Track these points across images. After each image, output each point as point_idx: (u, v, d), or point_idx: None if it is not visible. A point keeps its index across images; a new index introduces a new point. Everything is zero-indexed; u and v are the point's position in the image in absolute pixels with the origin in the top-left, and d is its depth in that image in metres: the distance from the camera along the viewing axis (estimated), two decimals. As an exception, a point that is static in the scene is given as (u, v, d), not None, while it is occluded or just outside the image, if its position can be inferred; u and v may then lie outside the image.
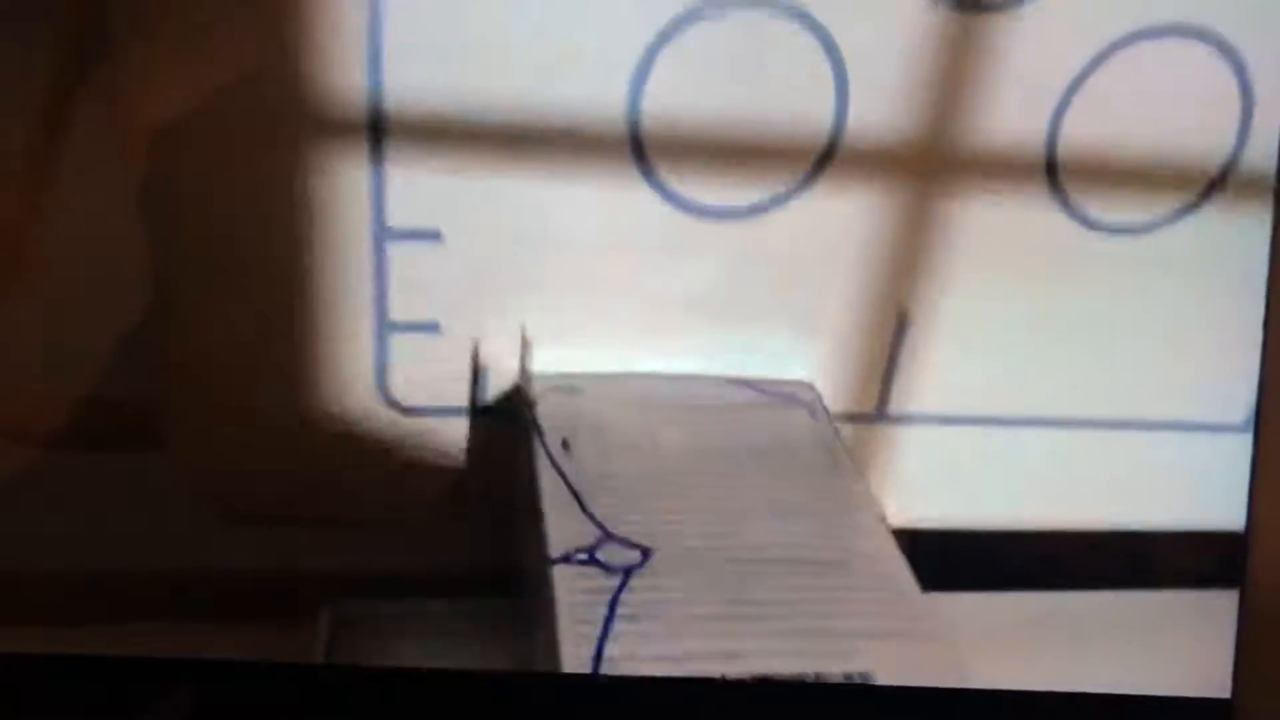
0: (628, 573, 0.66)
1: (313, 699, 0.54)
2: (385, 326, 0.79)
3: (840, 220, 0.78)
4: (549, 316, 0.80)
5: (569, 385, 0.81)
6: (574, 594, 0.63)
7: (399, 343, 0.79)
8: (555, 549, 0.66)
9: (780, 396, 0.82)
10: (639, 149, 0.75)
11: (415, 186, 0.76)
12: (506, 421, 0.83)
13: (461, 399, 0.83)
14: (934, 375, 0.83)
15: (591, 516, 0.70)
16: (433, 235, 0.77)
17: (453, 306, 0.79)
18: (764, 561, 0.68)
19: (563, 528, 0.67)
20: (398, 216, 0.77)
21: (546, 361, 0.81)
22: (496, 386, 0.83)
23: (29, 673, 0.47)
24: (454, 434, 0.84)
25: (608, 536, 0.68)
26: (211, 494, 0.79)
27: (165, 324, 0.69)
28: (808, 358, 0.82)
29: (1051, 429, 0.83)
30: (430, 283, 0.79)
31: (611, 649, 0.60)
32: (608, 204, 0.78)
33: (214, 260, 0.78)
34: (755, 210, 0.78)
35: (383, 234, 0.77)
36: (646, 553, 0.67)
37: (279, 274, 0.77)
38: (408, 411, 0.82)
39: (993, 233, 0.79)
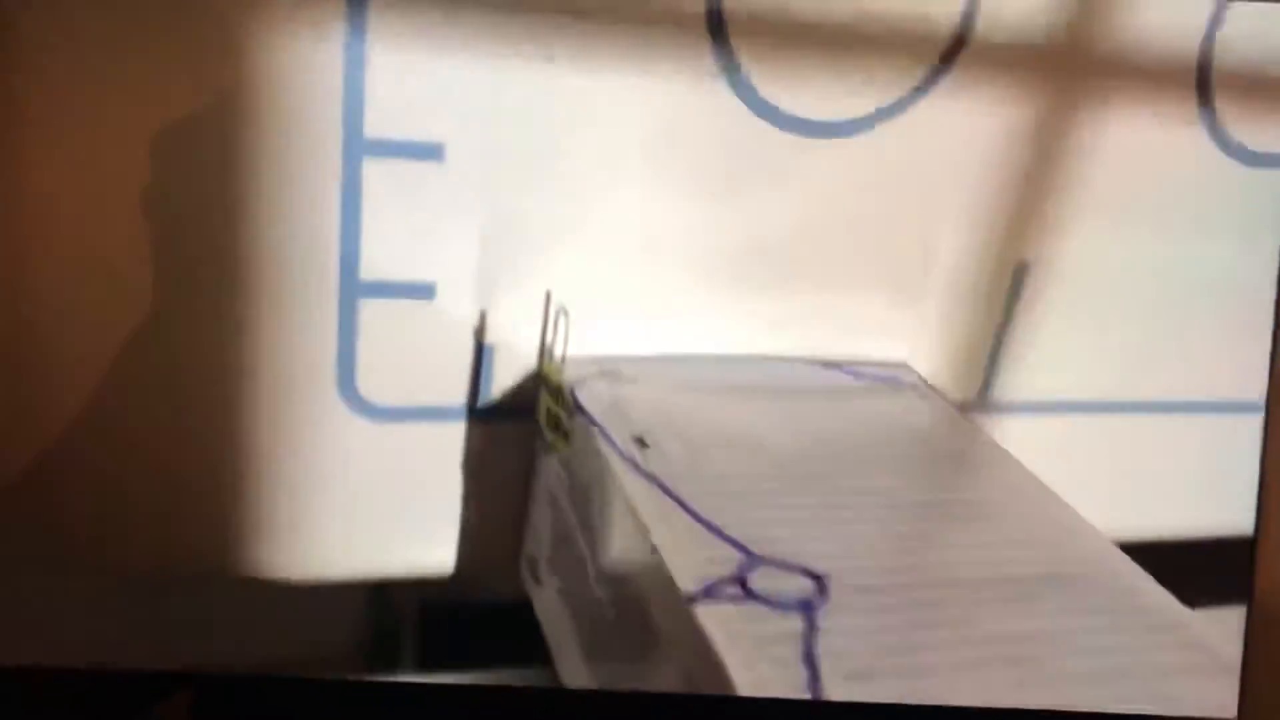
0: (808, 609, 0.43)
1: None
2: (353, 288, 0.54)
3: (952, 138, 0.60)
4: (574, 277, 0.57)
5: (611, 371, 0.58)
6: (736, 641, 0.40)
7: (372, 314, 0.54)
8: (684, 578, 0.43)
9: (880, 380, 0.61)
10: (719, 34, 0.54)
11: (404, 86, 0.54)
12: (516, 422, 0.58)
13: (455, 393, 0.58)
14: (1053, 350, 0.63)
15: (719, 532, 0.47)
16: (425, 151, 0.53)
17: (448, 262, 0.56)
18: (966, 584, 0.46)
19: (681, 551, 0.44)
20: (380, 125, 0.53)
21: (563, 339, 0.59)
22: (505, 375, 0.58)
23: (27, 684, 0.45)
24: (444, 445, 0.59)
25: (754, 559, 0.45)
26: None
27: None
28: (902, 330, 0.61)
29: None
30: (418, 226, 0.56)
31: None
32: (678, 105, 0.56)
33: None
34: (856, 126, 0.57)
35: (358, 145, 0.52)
36: (821, 581, 0.44)
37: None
38: (380, 415, 0.57)
39: (1135, 163, 0.61)
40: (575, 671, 0.56)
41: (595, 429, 0.55)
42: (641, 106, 0.57)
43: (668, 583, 0.45)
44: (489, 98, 0.55)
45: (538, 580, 0.62)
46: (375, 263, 0.56)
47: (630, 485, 0.50)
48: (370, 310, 0.57)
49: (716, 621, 0.43)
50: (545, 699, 0.57)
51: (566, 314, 0.59)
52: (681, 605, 0.44)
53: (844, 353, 0.64)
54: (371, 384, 0.59)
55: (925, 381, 0.64)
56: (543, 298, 0.59)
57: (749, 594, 0.44)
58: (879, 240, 0.62)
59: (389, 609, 0.69)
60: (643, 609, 0.47)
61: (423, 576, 0.64)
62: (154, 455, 0.57)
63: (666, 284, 0.61)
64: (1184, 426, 0.69)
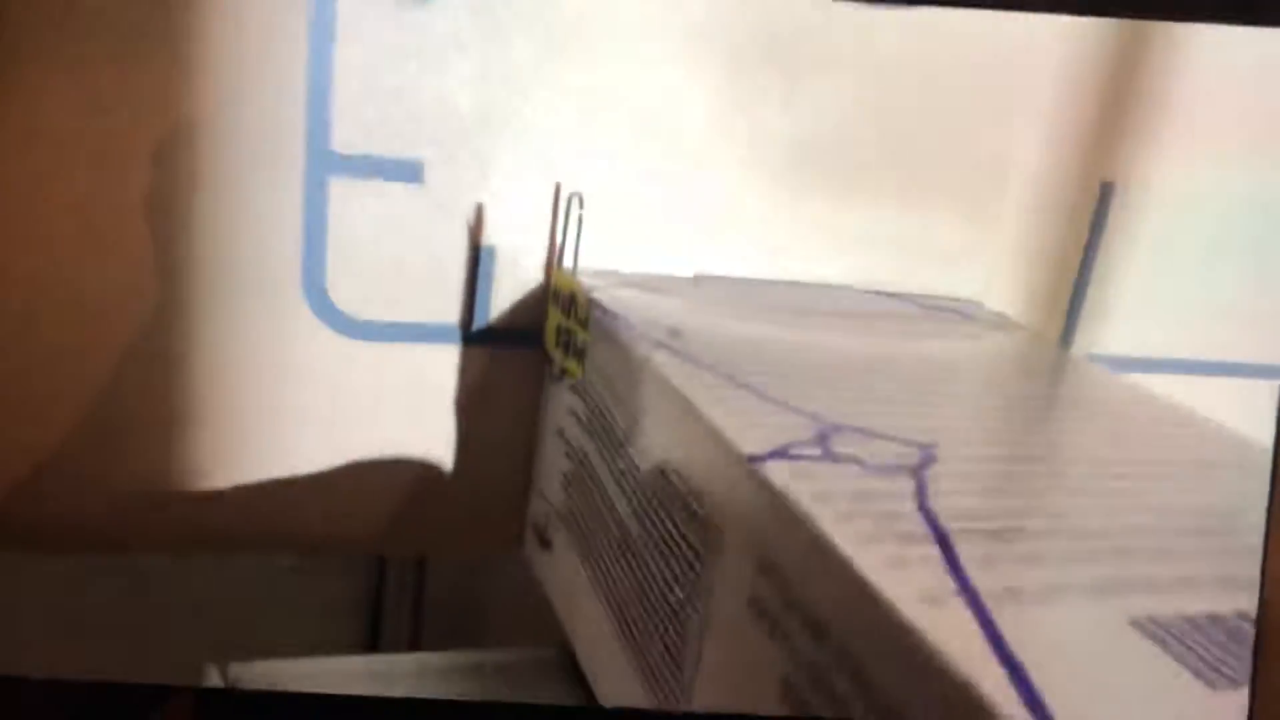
0: (916, 471, 0.31)
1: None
2: (323, 163, 0.44)
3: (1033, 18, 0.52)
4: (588, 170, 0.47)
5: (635, 281, 0.47)
6: (824, 499, 0.29)
7: (344, 196, 0.44)
8: (746, 444, 0.32)
9: (954, 313, 0.51)
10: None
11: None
12: (519, 348, 0.48)
13: (448, 309, 0.48)
14: (1146, 295, 0.53)
15: (786, 405, 0.35)
16: None
17: (442, 138, 0.48)
18: (1087, 461, 0.35)
19: (741, 426, 0.33)
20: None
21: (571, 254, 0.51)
22: (506, 288, 0.48)
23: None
24: (431, 372, 0.48)
25: (834, 426, 0.34)
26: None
27: None
28: (974, 260, 0.51)
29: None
30: (404, 84, 0.47)
31: (981, 578, 0.28)
32: None
33: None
34: None
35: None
36: (927, 449, 0.33)
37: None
38: (358, 331, 0.46)
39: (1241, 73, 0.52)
40: (597, 642, 0.44)
41: (618, 323, 0.44)
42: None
43: (726, 452, 0.33)
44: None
45: (546, 544, 0.50)
46: (350, 133, 0.46)
47: (668, 369, 0.39)
48: (343, 192, 0.46)
49: (792, 478, 0.31)
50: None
51: (582, 207, 0.48)
52: (744, 468, 0.32)
53: (905, 282, 0.54)
54: (344, 291, 0.48)
55: (1007, 318, 0.54)
56: (550, 190, 0.49)
57: (832, 456, 0.33)
58: (948, 144, 0.52)
59: (381, 581, 0.57)
60: (691, 512, 0.35)
61: (412, 542, 0.53)
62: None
63: (698, 186, 0.50)
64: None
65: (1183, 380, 0.57)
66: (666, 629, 0.38)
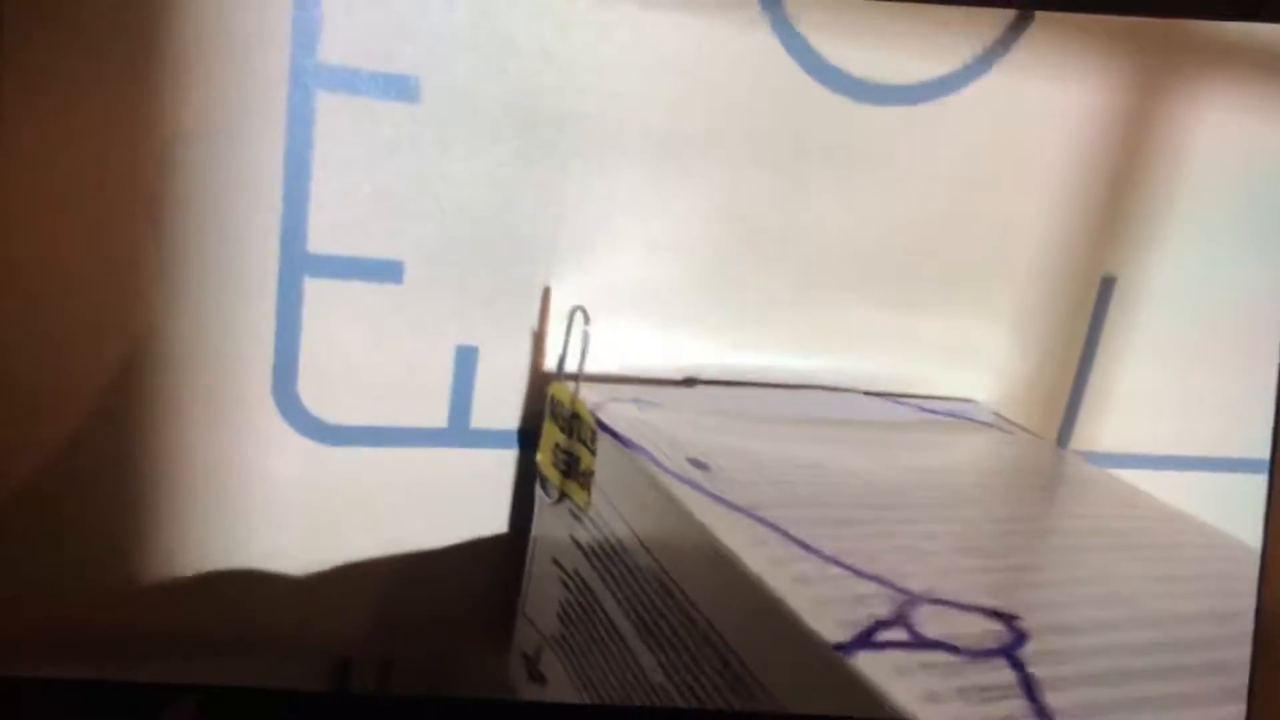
0: (1010, 654, 0.29)
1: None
2: (297, 263, 0.40)
3: (1030, 116, 0.51)
4: (580, 276, 0.44)
5: (634, 398, 0.44)
6: (931, 699, 0.26)
7: (321, 297, 0.41)
8: (822, 624, 0.29)
9: (953, 416, 0.49)
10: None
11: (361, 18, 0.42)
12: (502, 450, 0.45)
13: (426, 412, 0.45)
14: (1144, 392, 0.52)
15: (846, 565, 0.33)
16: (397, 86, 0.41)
17: (419, 238, 0.44)
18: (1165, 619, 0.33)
19: (802, 591, 0.30)
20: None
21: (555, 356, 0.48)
22: (491, 392, 0.45)
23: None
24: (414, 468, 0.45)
25: (914, 597, 0.31)
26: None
27: None
28: (971, 359, 0.50)
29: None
30: (382, 185, 0.44)
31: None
32: (715, 58, 0.46)
33: None
34: (925, 93, 0.46)
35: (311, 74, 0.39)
36: (1012, 621, 0.31)
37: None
38: (329, 435, 0.42)
39: (1237, 163, 0.51)
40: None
41: (635, 452, 0.40)
42: (671, 57, 0.44)
43: (797, 633, 0.30)
44: (469, 28, 0.42)
45: (538, 677, 0.46)
46: (325, 230, 0.42)
47: (708, 519, 0.36)
48: (318, 293, 0.42)
49: (890, 675, 0.28)
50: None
51: (587, 320, 0.45)
52: (827, 658, 0.29)
53: (903, 384, 0.51)
54: (316, 393, 0.44)
55: (1004, 419, 0.52)
56: (538, 293, 0.45)
57: (920, 640, 0.30)
58: (948, 243, 0.50)
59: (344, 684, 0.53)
60: (750, 693, 0.32)
61: (385, 644, 0.49)
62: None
63: (679, 285, 0.47)
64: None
65: (1181, 476, 0.56)
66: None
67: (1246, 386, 0.53)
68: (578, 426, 0.44)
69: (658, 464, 0.40)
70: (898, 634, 0.31)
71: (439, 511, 0.46)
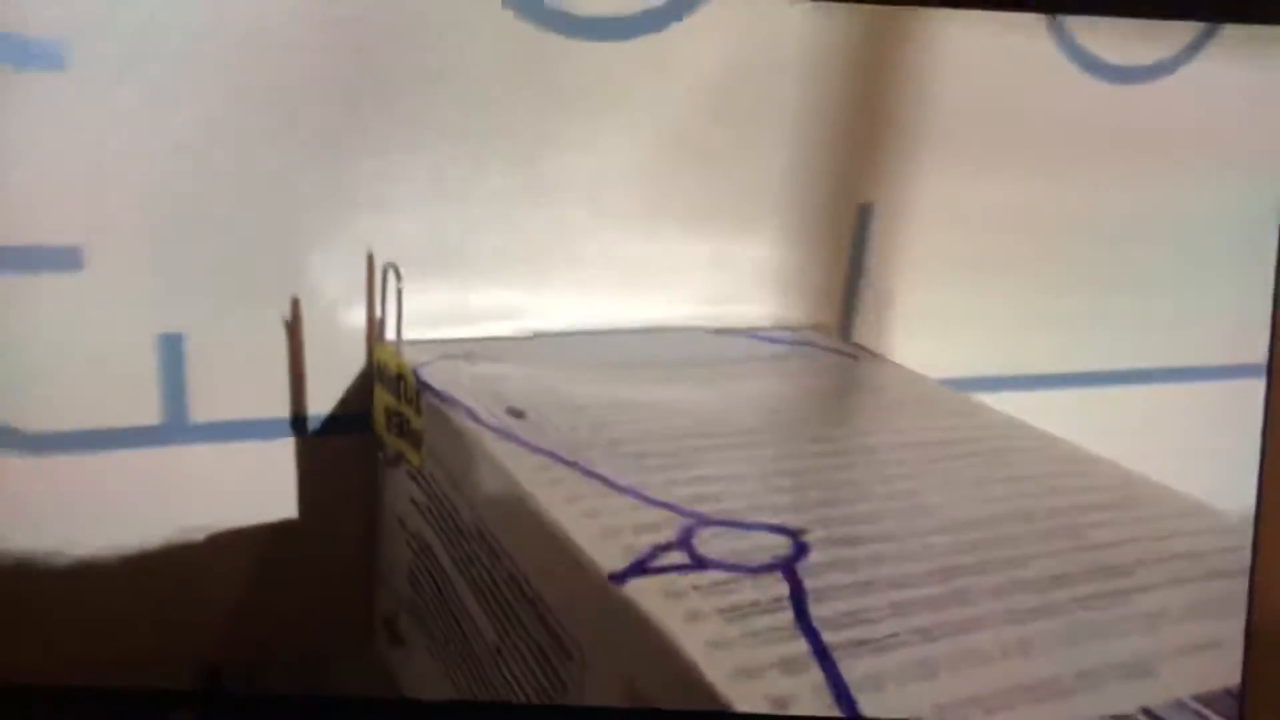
0: (788, 569, 0.29)
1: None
2: None
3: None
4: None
5: (463, 352, 0.44)
6: (696, 619, 0.26)
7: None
8: (603, 556, 0.29)
9: (793, 345, 0.49)
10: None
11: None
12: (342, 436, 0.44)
13: (275, 403, 0.44)
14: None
15: (642, 496, 0.33)
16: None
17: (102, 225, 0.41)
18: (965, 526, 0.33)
19: (594, 528, 0.30)
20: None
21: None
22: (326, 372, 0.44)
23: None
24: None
25: (698, 520, 0.31)
26: None
27: None
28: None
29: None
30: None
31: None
32: None
33: None
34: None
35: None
36: (795, 536, 0.30)
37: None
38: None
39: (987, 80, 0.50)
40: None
41: (453, 408, 0.40)
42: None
43: (579, 566, 0.30)
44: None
45: (397, 640, 0.46)
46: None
47: (512, 464, 0.36)
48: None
49: (659, 598, 0.28)
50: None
51: (400, 277, 0.44)
52: (602, 587, 0.29)
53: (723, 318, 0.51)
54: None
55: (847, 344, 0.52)
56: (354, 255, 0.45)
57: (699, 561, 0.30)
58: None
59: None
60: (550, 624, 0.32)
61: (247, 646, 0.48)
62: None
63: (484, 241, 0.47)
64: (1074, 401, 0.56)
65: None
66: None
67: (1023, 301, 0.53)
68: (403, 386, 0.44)
69: (474, 417, 0.40)
70: (677, 558, 0.31)
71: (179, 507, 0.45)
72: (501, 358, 0.46)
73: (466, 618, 0.40)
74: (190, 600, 0.48)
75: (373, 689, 0.51)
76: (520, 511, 0.35)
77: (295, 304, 0.45)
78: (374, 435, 0.47)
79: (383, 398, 0.46)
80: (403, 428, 0.45)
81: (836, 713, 0.25)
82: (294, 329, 0.44)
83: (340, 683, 0.54)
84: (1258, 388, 0.46)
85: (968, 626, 0.29)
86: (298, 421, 0.47)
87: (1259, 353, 0.47)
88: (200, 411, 0.46)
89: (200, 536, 0.47)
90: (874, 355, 0.51)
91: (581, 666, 0.31)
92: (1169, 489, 0.38)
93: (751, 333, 0.52)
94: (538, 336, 0.49)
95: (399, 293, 0.45)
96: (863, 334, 0.51)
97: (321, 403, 0.47)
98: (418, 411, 0.43)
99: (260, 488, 0.47)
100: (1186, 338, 0.50)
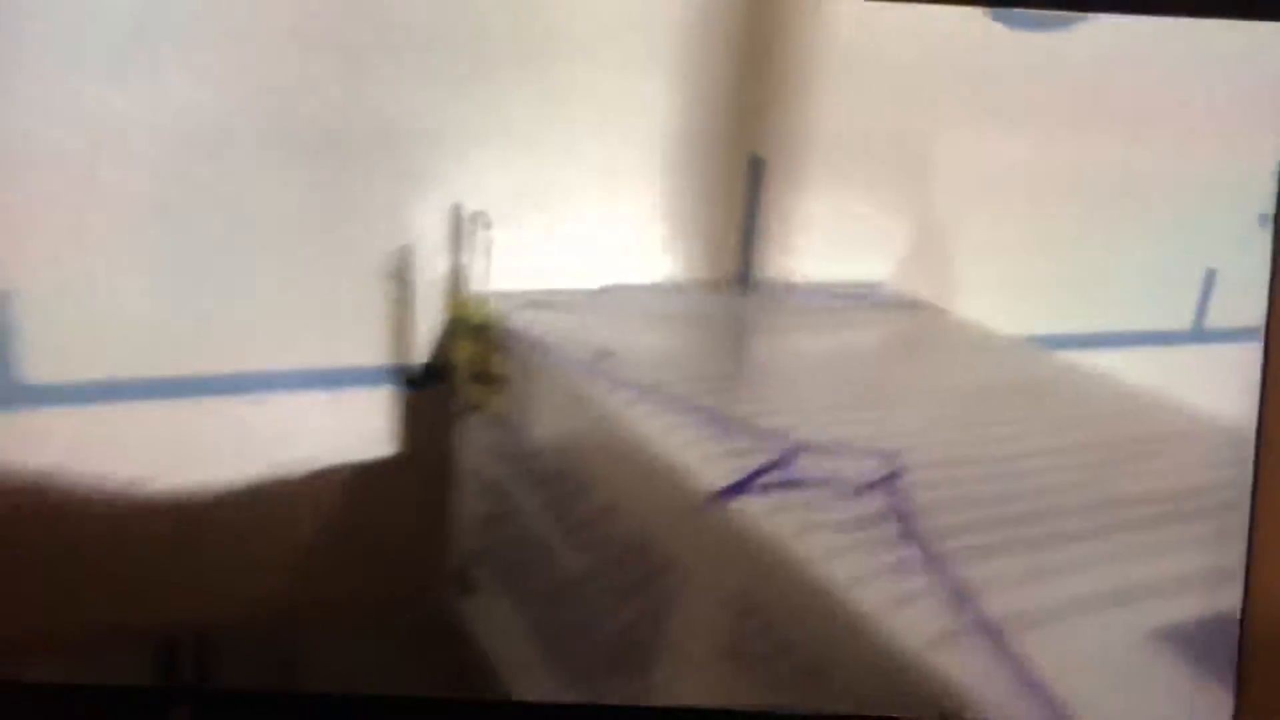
0: (890, 489, 0.30)
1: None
2: None
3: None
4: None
5: (541, 301, 0.45)
6: (805, 533, 0.27)
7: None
8: (704, 478, 0.29)
9: (864, 298, 0.49)
10: None
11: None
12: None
13: (347, 354, 0.45)
14: None
15: (739, 424, 0.34)
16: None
17: None
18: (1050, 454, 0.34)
19: (693, 454, 0.31)
20: None
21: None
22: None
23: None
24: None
25: (795, 446, 0.32)
26: None
27: None
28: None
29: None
30: None
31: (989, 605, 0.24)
32: None
33: None
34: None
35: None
36: (894, 460, 0.31)
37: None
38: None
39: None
40: (537, 690, 0.41)
41: (543, 352, 0.41)
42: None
43: (683, 488, 0.31)
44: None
45: (470, 588, 0.47)
46: None
47: (606, 397, 0.37)
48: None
49: (768, 513, 0.29)
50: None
51: (488, 226, 0.45)
52: (710, 505, 0.30)
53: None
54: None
55: (915, 298, 0.52)
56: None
57: (801, 481, 0.31)
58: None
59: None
60: (649, 549, 0.32)
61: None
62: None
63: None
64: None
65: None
66: (623, 672, 0.35)
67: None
68: (487, 335, 0.45)
69: (565, 359, 0.41)
70: (780, 478, 0.32)
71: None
72: (572, 308, 0.47)
73: (551, 556, 0.41)
74: (260, 545, 0.48)
75: (440, 639, 0.52)
76: (617, 443, 0.36)
77: (371, 256, 0.45)
78: (448, 386, 0.48)
79: (463, 347, 0.46)
80: (484, 376, 0.45)
81: (954, 613, 0.26)
82: (375, 281, 0.45)
83: (407, 633, 0.55)
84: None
85: (1061, 540, 0.30)
86: (370, 372, 0.47)
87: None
88: (277, 360, 0.47)
89: (272, 484, 0.48)
90: (937, 308, 0.52)
91: (683, 585, 0.32)
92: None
93: (812, 287, 0.52)
94: (603, 290, 0.49)
95: (487, 243, 0.45)
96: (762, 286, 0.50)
97: (393, 354, 0.48)
98: (502, 359, 0.44)
99: (333, 439, 0.48)
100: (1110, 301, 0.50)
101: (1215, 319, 0.52)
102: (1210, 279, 0.52)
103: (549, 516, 0.40)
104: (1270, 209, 0.54)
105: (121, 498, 0.46)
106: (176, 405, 0.45)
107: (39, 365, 0.44)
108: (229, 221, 0.45)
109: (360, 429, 0.46)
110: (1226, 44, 0.51)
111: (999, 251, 0.50)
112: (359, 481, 0.47)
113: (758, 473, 0.31)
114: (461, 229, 0.45)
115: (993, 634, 0.25)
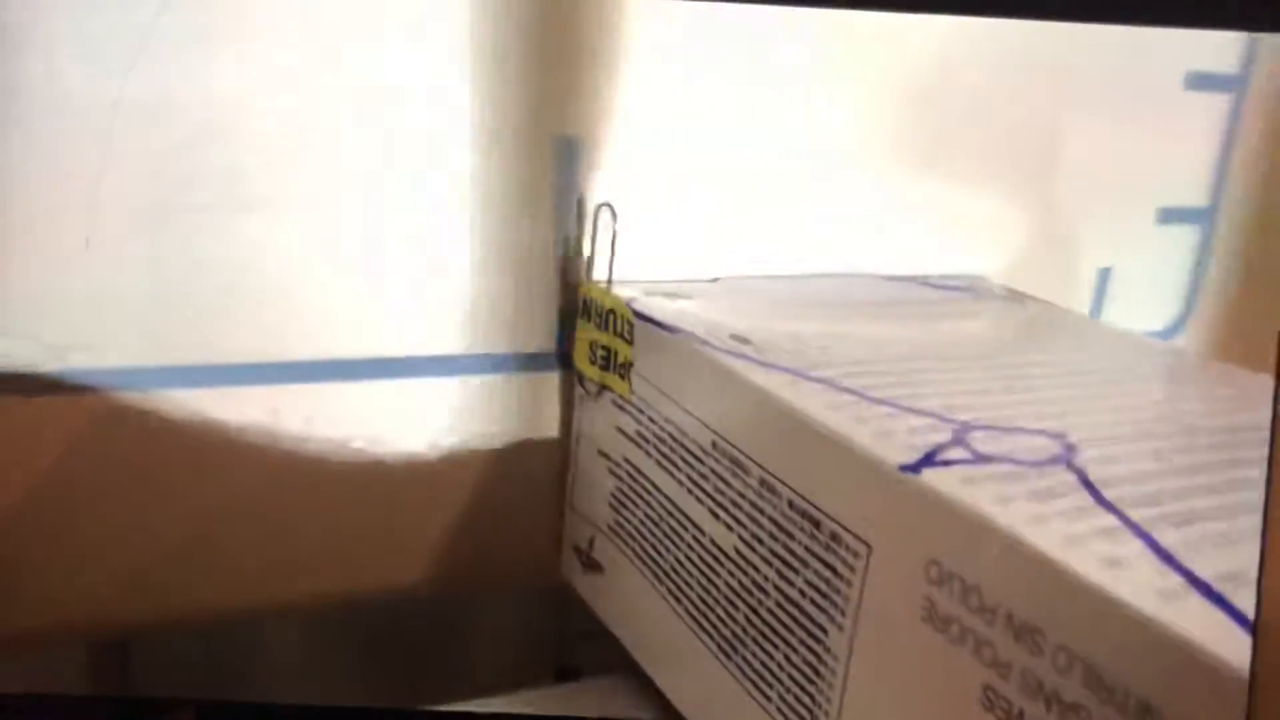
0: (1071, 463, 0.32)
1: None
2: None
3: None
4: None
5: (667, 290, 0.46)
6: (1004, 503, 0.29)
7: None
8: (885, 453, 0.31)
9: (963, 290, 0.51)
10: None
11: None
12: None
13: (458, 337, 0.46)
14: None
15: (899, 405, 0.35)
16: None
17: None
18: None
19: (858, 431, 0.32)
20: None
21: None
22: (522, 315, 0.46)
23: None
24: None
25: (966, 425, 0.34)
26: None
27: None
28: None
29: None
30: None
31: (1199, 565, 0.28)
32: None
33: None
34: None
35: None
36: (1064, 439, 0.33)
37: None
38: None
39: None
40: (685, 667, 0.43)
41: (677, 336, 0.42)
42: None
43: (864, 463, 0.32)
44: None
45: (593, 566, 0.48)
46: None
47: (757, 378, 0.38)
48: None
49: (959, 484, 0.30)
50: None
51: (615, 217, 0.46)
52: (896, 478, 0.31)
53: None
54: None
55: (1015, 290, 0.54)
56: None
57: (982, 456, 0.32)
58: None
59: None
60: (820, 527, 0.34)
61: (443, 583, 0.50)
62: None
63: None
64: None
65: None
66: (795, 651, 0.36)
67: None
68: (614, 320, 0.46)
69: (704, 342, 0.42)
70: (959, 453, 0.33)
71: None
72: (697, 297, 0.48)
73: (694, 532, 0.42)
74: (377, 529, 0.50)
75: (558, 617, 0.54)
76: (777, 420, 0.37)
77: (490, 244, 0.46)
78: (569, 370, 0.49)
79: (588, 333, 0.48)
80: (609, 360, 0.47)
81: (1168, 573, 0.27)
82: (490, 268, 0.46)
83: (527, 611, 0.57)
84: None
85: (1235, 510, 0.31)
86: (490, 359, 0.49)
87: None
88: (397, 348, 0.48)
89: (394, 467, 0.49)
90: (1039, 300, 0.54)
91: (867, 555, 0.33)
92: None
93: (918, 279, 0.54)
94: (719, 280, 0.51)
95: (613, 233, 0.47)
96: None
97: (514, 341, 0.49)
98: (629, 344, 0.46)
99: (466, 423, 0.49)
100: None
101: (1112, 320, 0.54)
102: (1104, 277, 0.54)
103: (690, 496, 0.41)
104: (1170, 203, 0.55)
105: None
106: (319, 389, 0.46)
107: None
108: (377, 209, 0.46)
109: (489, 413, 0.48)
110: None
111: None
112: (489, 463, 0.48)
113: (937, 449, 0.33)
114: (587, 219, 0.47)
115: (1214, 593, 0.26)
